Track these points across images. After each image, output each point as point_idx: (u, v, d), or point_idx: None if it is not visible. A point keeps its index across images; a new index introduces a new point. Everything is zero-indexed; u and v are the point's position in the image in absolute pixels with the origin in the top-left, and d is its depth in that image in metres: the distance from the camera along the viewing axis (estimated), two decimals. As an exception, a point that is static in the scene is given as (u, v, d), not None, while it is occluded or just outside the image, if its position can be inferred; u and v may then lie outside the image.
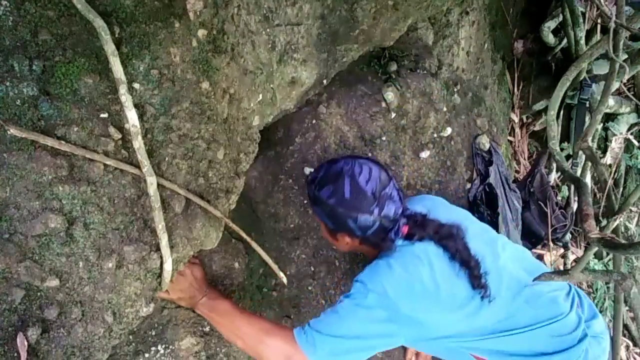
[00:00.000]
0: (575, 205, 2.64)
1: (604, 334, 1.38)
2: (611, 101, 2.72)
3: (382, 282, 1.24)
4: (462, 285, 1.27)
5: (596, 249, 1.24)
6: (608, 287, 3.06)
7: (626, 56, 2.39)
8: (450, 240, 1.28)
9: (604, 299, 2.99)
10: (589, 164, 2.47)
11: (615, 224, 1.40)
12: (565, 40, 2.51)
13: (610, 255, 3.00)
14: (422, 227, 1.31)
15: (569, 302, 1.36)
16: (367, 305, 1.22)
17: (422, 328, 1.25)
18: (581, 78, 2.39)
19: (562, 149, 2.81)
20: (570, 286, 1.43)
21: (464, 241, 1.31)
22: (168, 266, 1.08)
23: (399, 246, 1.32)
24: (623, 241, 1.14)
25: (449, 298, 1.25)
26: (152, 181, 1.00)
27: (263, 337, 1.24)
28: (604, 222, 2.97)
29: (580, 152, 2.51)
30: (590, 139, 1.62)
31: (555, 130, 1.83)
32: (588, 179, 2.73)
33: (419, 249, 1.30)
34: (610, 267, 2.96)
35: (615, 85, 2.61)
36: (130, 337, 1.23)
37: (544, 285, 1.34)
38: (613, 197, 2.81)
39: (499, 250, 1.39)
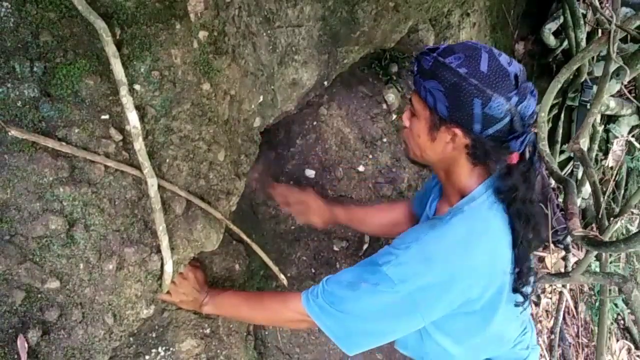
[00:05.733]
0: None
1: (536, 344, 1.44)
2: (612, 103, 2.72)
3: (418, 271, 1.03)
4: (504, 284, 1.11)
5: (597, 252, 1.24)
6: (610, 289, 3.05)
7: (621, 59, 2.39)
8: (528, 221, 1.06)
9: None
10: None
11: (617, 226, 1.41)
12: (566, 42, 2.51)
13: (612, 258, 2.99)
14: (528, 174, 1.05)
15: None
16: (392, 291, 1.03)
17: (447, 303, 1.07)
18: (582, 80, 2.39)
19: (563, 151, 2.81)
20: None
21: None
22: (169, 268, 1.08)
23: (470, 208, 1.07)
24: (605, 239, 1.15)
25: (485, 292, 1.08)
26: (152, 183, 1.00)
27: (276, 318, 1.29)
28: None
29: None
30: (582, 140, 1.62)
31: (545, 132, 1.83)
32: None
33: (489, 222, 1.07)
34: (612, 270, 2.95)
35: (617, 87, 2.61)
36: (131, 339, 1.23)
37: None
38: (622, 197, 2.80)
39: None
